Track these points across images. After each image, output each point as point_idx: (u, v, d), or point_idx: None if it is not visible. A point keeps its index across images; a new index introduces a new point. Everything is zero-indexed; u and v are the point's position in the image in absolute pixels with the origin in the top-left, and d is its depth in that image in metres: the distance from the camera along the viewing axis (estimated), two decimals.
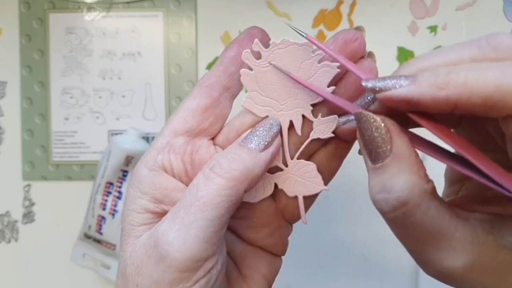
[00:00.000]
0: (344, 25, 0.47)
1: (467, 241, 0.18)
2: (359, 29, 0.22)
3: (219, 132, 0.23)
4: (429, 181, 0.18)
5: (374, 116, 0.18)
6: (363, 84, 0.18)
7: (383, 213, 0.18)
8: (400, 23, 0.47)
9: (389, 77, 0.18)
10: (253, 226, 0.24)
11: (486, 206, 0.19)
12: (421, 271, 0.20)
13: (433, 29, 0.47)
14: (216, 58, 0.49)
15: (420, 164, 0.18)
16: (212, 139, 0.23)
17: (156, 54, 0.49)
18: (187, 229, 0.19)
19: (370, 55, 0.22)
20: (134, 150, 0.46)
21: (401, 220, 0.18)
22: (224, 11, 0.48)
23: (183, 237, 0.19)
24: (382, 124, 0.18)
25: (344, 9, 0.47)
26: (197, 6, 0.49)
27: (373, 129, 0.18)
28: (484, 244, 0.18)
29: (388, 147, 0.18)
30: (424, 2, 0.47)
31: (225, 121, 0.23)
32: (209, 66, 0.49)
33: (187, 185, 0.21)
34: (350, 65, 0.21)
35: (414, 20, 0.47)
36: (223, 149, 0.22)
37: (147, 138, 0.49)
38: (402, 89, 0.17)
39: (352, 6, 0.47)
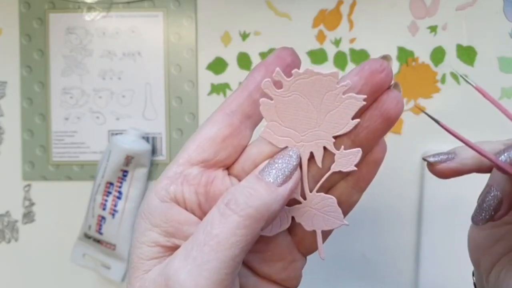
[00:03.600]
0: (344, 25, 0.47)
1: None
2: (386, 58, 0.21)
3: (235, 161, 0.22)
4: None
5: None
6: None
7: None
8: (400, 23, 0.47)
9: None
10: (267, 260, 0.23)
11: None
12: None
13: (433, 29, 0.47)
14: (216, 58, 0.49)
15: None
16: (227, 168, 0.22)
17: (156, 54, 0.49)
18: (199, 270, 0.18)
19: (396, 85, 0.21)
20: (134, 150, 0.46)
21: None
22: (224, 11, 0.48)
23: (195, 278, 0.18)
24: None
25: (344, 9, 0.47)
26: (197, 6, 0.49)
27: None
28: None
29: None
30: (424, 2, 0.47)
31: (242, 151, 0.22)
32: (209, 66, 0.49)
33: (200, 218, 0.21)
34: None
35: (414, 20, 0.47)
36: (239, 180, 0.21)
37: (147, 138, 0.49)
38: None
39: (352, 6, 0.47)
